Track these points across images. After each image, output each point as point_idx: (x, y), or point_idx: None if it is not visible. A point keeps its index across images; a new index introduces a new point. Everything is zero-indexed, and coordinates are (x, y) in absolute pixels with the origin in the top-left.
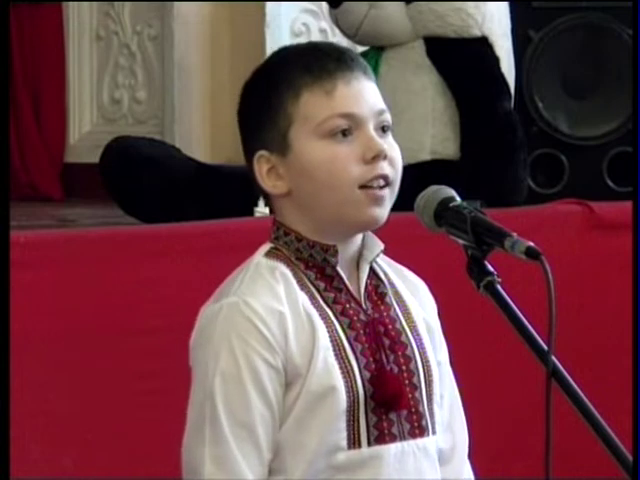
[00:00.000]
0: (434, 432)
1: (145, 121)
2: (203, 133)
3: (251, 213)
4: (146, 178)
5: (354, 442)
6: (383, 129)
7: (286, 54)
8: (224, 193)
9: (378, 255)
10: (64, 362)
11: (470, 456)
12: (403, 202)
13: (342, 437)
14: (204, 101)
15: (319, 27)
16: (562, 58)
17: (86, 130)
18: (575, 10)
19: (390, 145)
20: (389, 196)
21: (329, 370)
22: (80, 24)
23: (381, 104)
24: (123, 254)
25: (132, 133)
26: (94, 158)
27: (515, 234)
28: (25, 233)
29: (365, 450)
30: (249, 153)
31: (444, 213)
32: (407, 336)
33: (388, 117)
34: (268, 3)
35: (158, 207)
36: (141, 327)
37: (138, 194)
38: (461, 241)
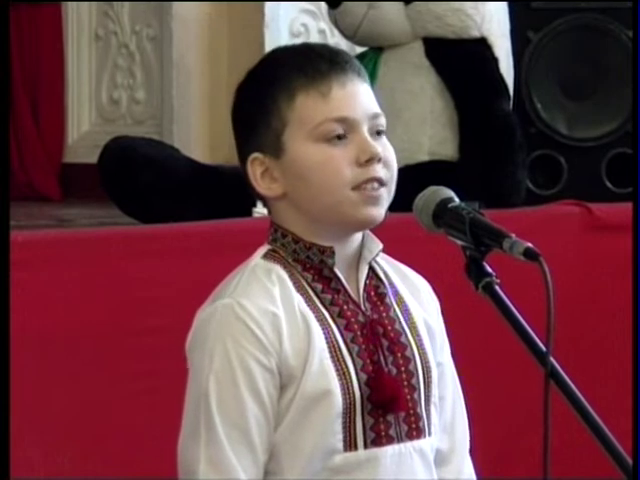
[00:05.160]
0: (430, 434)
1: (144, 121)
2: (202, 133)
3: (250, 213)
4: (144, 178)
5: (350, 444)
6: (378, 133)
7: (279, 55)
8: (223, 193)
9: (377, 255)
10: (63, 362)
11: (471, 457)
12: (402, 203)
13: (338, 440)
14: (203, 101)
15: (318, 28)
16: (561, 59)
17: (84, 130)
18: (574, 11)
19: (384, 147)
20: (386, 195)
21: (325, 372)
22: (79, 24)
23: (375, 108)
24: (121, 254)
25: (130, 133)
26: (92, 158)
27: (514, 235)
28: (23, 233)
29: (362, 452)
30: (243, 155)
31: (443, 214)
32: (407, 337)
33: (383, 121)
34: (267, 3)
35: (156, 207)
36: (139, 327)
37: (136, 194)
38: (460, 242)
